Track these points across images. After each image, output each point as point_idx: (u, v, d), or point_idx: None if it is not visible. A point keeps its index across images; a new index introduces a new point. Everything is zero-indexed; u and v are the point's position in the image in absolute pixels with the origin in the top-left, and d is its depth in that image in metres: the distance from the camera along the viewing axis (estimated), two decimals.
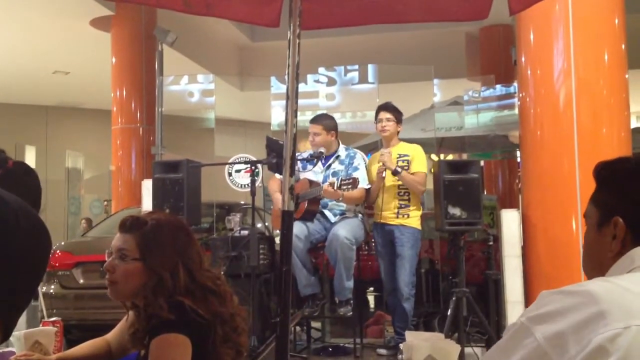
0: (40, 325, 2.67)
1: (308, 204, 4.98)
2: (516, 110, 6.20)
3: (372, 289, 6.96)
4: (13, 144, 11.91)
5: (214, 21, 10.69)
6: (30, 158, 12.70)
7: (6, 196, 0.94)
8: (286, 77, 2.35)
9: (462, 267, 4.92)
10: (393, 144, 5.19)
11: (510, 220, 5.29)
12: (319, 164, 5.16)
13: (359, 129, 8.90)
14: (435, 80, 8.66)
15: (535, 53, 5.27)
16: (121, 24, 10.13)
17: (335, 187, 4.66)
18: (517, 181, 10.11)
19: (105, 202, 12.54)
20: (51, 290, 6.48)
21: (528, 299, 5.05)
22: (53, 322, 2.61)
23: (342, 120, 7.88)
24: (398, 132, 5.24)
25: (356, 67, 7.85)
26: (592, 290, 1.08)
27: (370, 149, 7.62)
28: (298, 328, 5.55)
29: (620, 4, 5.16)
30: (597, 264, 1.28)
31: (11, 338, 2.26)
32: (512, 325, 1.15)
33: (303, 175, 5.16)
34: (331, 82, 7.90)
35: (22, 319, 7.12)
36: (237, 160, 6.82)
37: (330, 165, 5.17)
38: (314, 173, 5.16)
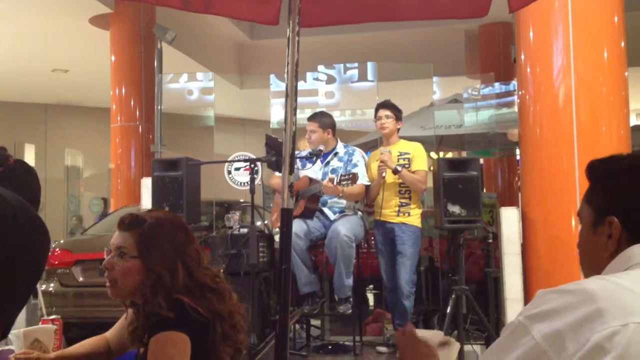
0: (40, 323, 2.67)
1: (307, 201, 4.98)
2: (515, 108, 6.20)
3: (371, 286, 6.96)
4: (12, 142, 11.91)
5: (213, 19, 10.69)
6: (29, 156, 12.68)
7: (4, 193, 0.94)
8: (285, 75, 2.34)
9: (462, 265, 4.92)
10: (393, 141, 5.19)
11: (509, 218, 5.29)
12: (318, 161, 5.16)
13: (359, 126, 8.90)
14: (435, 78, 8.67)
15: (535, 51, 5.27)
16: (120, 22, 10.13)
17: (334, 183, 4.67)
18: (516, 179, 10.12)
19: (99, 199, 12.53)
20: (51, 288, 6.49)
21: (527, 297, 5.05)
22: (52, 320, 2.61)
23: (342, 118, 7.89)
24: (398, 130, 5.24)
25: (355, 65, 7.85)
26: (589, 289, 1.09)
27: (369, 147, 7.63)
28: (298, 326, 5.55)
29: (619, 2, 5.16)
30: (594, 263, 1.28)
31: (10, 336, 2.26)
32: (510, 324, 1.15)
33: (303, 173, 5.16)
34: (330, 80, 7.89)
35: (22, 317, 7.11)
36: (236, 158, 6.82)
37: (328, 162, 5.17)
38: (313, 171, 5.16)
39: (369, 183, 5.12)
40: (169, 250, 1.91)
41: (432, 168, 5.43)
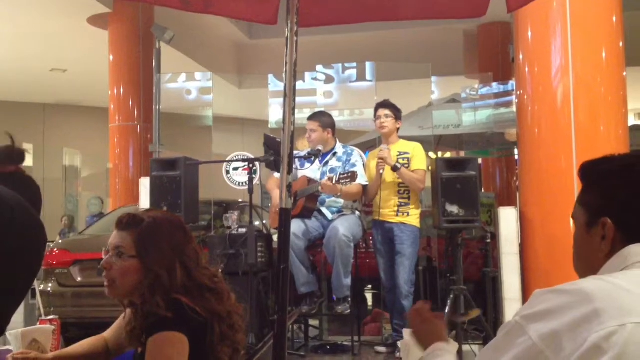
0: (38, 323, 2.67)
1: (306, 201, 4.98)
2: (514, 108, 6.20)
3: (370, 286, 6.96)
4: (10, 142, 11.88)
5: (211, 19, 10.68)
6: (27, 156, 12.67)
7: (3, 192, 0.94)
8: (284, 74, 2.34)
9: (460, 265, 4.92)
10: (392, 141, 5.19)
11: (508, 218, 5.29)
12: (317, 161, 5.15)
13: (357, 126, 8.90)
14: (433, 78, 8.65)
15: (533, 51, 5.28)
16: (119, 22, 10.12)
17: (333, 182, 4.67)
18: (514, 179, 10.11)
19: (93, 198, 12.49)
20: (49, 288, 6.48)
21: (525, 297, 5.05)
22: (51, 321, 2.61)
23: (340, 118, 7.88)
24: (397, 129, 5.24)
25: (354, 64, 7.85)
26: (586, 289, 1.08)
27: (368, 146, 7.62)
28: (296, 326, 5.55)
29: (618, 2, 5.16)
30: (589, 264, 1.28)
31: (8, 336, 2.25)
32: (506, 323, 1.15)
33: (301, 173, 5.16)
34: (329, 79, 7.89)
35: (20, 318, 7.09)
36: (234, 158, 6.82)
37: (327, 162, 5.18)
38: (312, 171, 5.16)
39: (367, 183, 5.13)
40: (167, 250, 1.91)
41: (430, 168, 5.43)
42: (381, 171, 5.04)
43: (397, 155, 5.10)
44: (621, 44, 5.13)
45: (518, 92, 5.52)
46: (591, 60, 5.07)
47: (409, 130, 7.54)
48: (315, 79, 7.83)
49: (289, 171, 2.30)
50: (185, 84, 9.03)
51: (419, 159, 5.13)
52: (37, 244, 0.98)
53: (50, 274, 6.58)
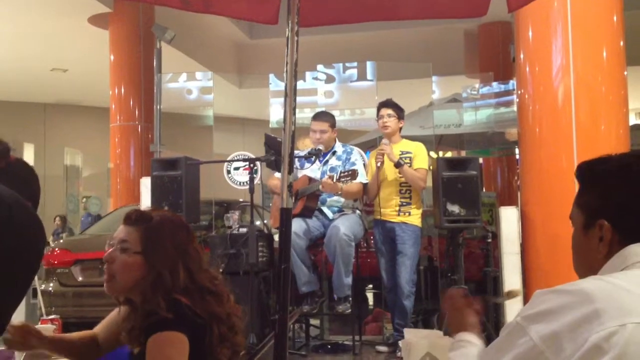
0: (39, 323, 2.67)
1: (306, 200, 4.98)
2: (514, 108, 6.20)
3: (371, 286, 6.96)
4: (11, 141, 11.88)
5: (212, 18, 10.69)
6: (28, 156, 12.70)
7: (1, 190, 0.94)
8: (284, 74, 2.34)
9: (461, 264, 4.93)
10: (395, 140, 5.19)
11: (509, 217, 5.29)
12: (317, 161, 5.15)
13: (358, 126, 8.90)
14: (434, 78, 8.66)
15: (534, 50, 5.27)
16: (119, 21, 10.12)
17: (334, 180, 4.66)
18: (515, 178, 10.11)
19: (84, 199, 12.44)
20: (50, 288, 6.49)
21: (527, 296, 5.05)
22: (52, 320, 2.62)
23: (341, 118, 7.88)
24: (400, 129, 5.24)
25: (355, 64, 7.85)
26: (587, 289, 1.08)
27: (369, 146, 7.62)
28: (297, 325, 5.55)
29: (618, 1, 5.16)
30: (587, 265, 1.27)
31: None
32: (508, 324, 1.15)
33: (301, 173, 5.15)
34: (330, 79, 7.89)
35: (21, 317, 7.11)
36: (235, 158, 6.82)
37: (327, 161, 5.17)
38: (312, 170, 5.16)
39: (367, 181, 5.12)
40: (172, 250, 1.91)
41: (431, 167, 5.43)
42: (379, 164, 5.03)
43: (400, 154, 5.10)
44: (622, 43, 5.13)
45: (519, 92, 5.52)
46: (592, 59, 5.07)
47: (410, 129, 7.53)
48: (316, 78, 7.83)
49: (290, 171, 2.31)
50: (186, 83, 9.04)
51: (421, 158, 5.13)
52: (36, 242, 0.98)
53: (52, 273, 6.58)
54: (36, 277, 6.11)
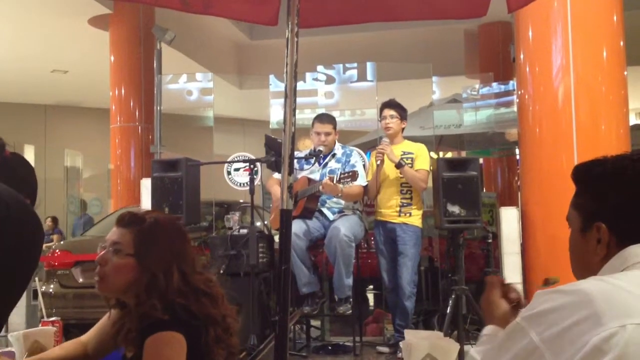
0: (40, 325, 2.67)
1: (306, 201, 4.98)
2: (514, 108, 6.20)
3: (371, 286, 6.96)
4: (12, 143, 11.88)
5: (212, 19, 10.69)
6: (29, 157, 12.66)
7: None
8: (284, 75, 2.34)
9: (461, 265, 4.92)
10: (397, 141, 5.18)
11: (509, 218, 5.29)
12: (316, 163, 5.15)
13: (358, 126, 8.90)
14: (434, 78, 8.66)
15: (534, 50, 5.28)
16: (119, 23, 10.13)
17: (334, 181, 4.66)
18: (516, 178, 10.11)
19: (74, 199, 12.43)
20: (50, 290, 6.48)
21: (527, 297, 5.04)
22: (52, 322, 2.62)
23: (341, 118, 7.88)
24: (402, 130, 5.23)
25: (355, 65, 7.85)
26: (587, 290, 1.08)
27: (369, 147, 7.62)
28: (297, 326, 5.55)
29: (618, 1, 5.16)
30: (585, 267, 1.27)
31: (10, 338, 2.26)
32: (509, 325, 1.15)
33: (301, 175, 5.15)
34: (330, 80, 7.89)
35: (22, 319, 7.07)
36: (236, 159, 6.82)
37: (326, 163, 5.16)
38: (310, 172, 5.16)
39: (366, 184, 5.12)
40: (166, 252, 1.90)
41: (431, 168, 5.43)
42: (378, 162, 5.03)
43: (402, 155, 5.09)
44: (622, 43, 5.13)
45: (519, 92, 5.52)
46: (592, 59, 5.07)
47: (410, 130, 7.52)
48: (316, 79, 7.83)
49: (290, 172, 2.30)
50: (186, 84, 9.04)
51: (423, 159, 5.13)
52: (34, 240, 0.98)
53: (52, 275, 6.59)
54: (37, 279, 6.11)
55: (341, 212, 5.10)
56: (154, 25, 7.69)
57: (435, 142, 8.79)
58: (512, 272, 5.16)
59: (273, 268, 5.09)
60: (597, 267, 1.23)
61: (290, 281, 2.26)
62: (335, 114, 5.82)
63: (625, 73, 5.19)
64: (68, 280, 6.51)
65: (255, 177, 5.22)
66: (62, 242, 7.60)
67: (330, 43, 11.17)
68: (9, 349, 2.34)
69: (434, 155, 7.76)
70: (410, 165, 5.07)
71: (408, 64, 10.72)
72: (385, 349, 5.10)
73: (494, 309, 1.49)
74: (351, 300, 4.98)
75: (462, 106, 9.17)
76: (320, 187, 4.82)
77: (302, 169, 5.18)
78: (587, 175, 1.29)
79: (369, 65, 7.71)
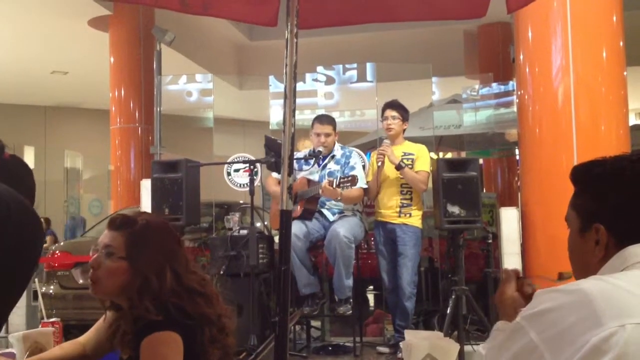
0: (40, 326, 2.67)
1: (306, 202, 4.98)
2: (514, 108, 6.21)
3: (371, 287, 6.96)
4: (11, 144, 11.89)
5: (212, 20, 10.68)
6: (29, 158, 12.70)
7: None
8: (284, 76, 2.34)
9: (462, 265, 4.92)
10: (398, 142, 5.18)
11: (509, 218, 5.29)
12: (315, 164, 5.15)
13: (358, 127, 8.89)
14: (434, 79, 8.66)
15: (534, 51, 5.28)
16: (119, 24, 10.13)
17: (334, 185, 4.66)
18: (516, 179, 10.11)
19: (65, 201, 12.37)
20: (50, 291, 6.49)
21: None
22: (52, 323, 2.62)
23: (341, 119, 7.88)
24: (403, 131, 5.23)
25: (355, 65, 7.84)
26: (587, 289, 1.08)
27: (369, 147, 7.62)
28: (298, 327, 5.55)
29: (618, 1, 5.16)
30: (584, 268, 1.28)
31: (10, 339, 2.26)
32: (510, 324, 1.16)
33: (300, 175, 5.15)
34: (330, 80, 7.89)
35: (22, 320, 7.06)
36: (235, 160, 6.82)
37: (326, 165, 5.16)
38: (310, 173, 5.15)
39: (366, 186, 5.12)
40: (158, 254, 1.89)
41: (431, 169, 5.43)
42: (379, 163, 5.03)
43: (402, 156, 5.09)
44: (621, 43, 5.14)
45: (519, 92, 5.52)
46: (592, 60, 5.07)
47: (410, 131, 7.50)
48: (315, 80, 7.83)
49: (290, 172, 2.30)
50: (186, 85, 9.03)
51: (423, 161, 5.13)
52: (35, 240, 0.98)
53: (52, 276, 6.59)
54: (37, 280, 6.11)
55: (341, 213, 5.10)
56: (153, 26, 7.70)
57: (435, 143, 8.79)
58: None
59: (273, 269, 5.09)
60: (596, 268, 1.23)
61: (290, 282, 2.26)
62: (335, 114, 5.82)
63: (625, 73, 5.19)
64: (68, 282, 6.51)
65: (255, 178, 5.22)
66: (61, 244, 7.59)
67: (330, 43, 11.17)
68: (9, 349, 2.34)
69: (434, 156, 7.77)
70: (410, 166, 5.06)
71: (408, 64, 10.71)
72: (385, 350, 5.10)
73: (508, 303, 1.46)
74: (351, 300, 4.98)
75: (462, 107, 9.17)
76: (320, 191, 4.82)
77: (301, 170, 5.18)
78: (586, 175, 1.29)
79: (368, 65, 7.70)
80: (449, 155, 10.23)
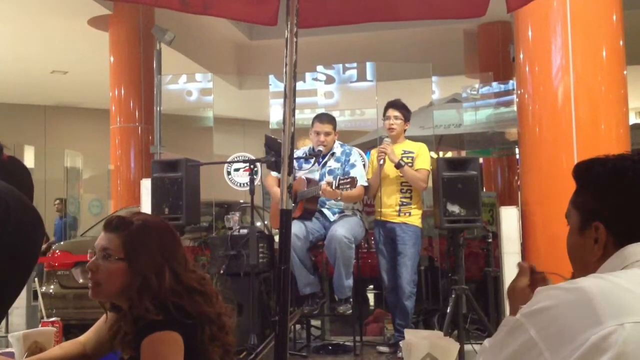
0: (40, 325, 2.67)
1: (306, 202, 4.98)
2: (514, 107, 6.20)
3: (371, 286, 6.96)
4: (12, 143, 11.89)
5: (212, 20, 10.68)
6: (29, 158, 12.69)
7: None
8: (284, 75, 2.34)
9: (462, 265, 4.92)
10: (399, 141, 5.19)
11: (509, 217, 5.29)
12: (315, 163, 5.15)
13: (358, 126, 8.90)
14: (434, 78, 8.65)
15: (534, 50, 5.27)
16: (119, 23, 10.12)
17: (333, 187, 4.65)
18: (516, 178, 10.11)
19: (58, 201, 12.33)
20: (51, 290, 6.49)
21: None
22: (52, 323, 2.62)
23: (341, 118, 7.88)
24: (405, 130, 5.23)
25: (354, 65, 7.84)
26: (586, 288, 1.09)
27: (369, 146, 7.60)
28: (298, 326, 5.55)
29: (618, 1, 5.16)
30: (582, 266, 1.28)
31: (10, 338, 2.26)
32: (508, 319, 1.16)
33: (299, 174, 5.15)
34: (329, 80, 7.89)
35: (22, 319, 7.06)
36: (235, 159, 6.82)
37: (325, 163, 5.16)
38: (310, 172, 5.15)
39: (367, 184, 5.12)
40: (156, 254, 1.89)
41: (431, 167, 5.44)
42: (381, 162, 5.03)
43: (402, 154, 5.10)
44: (621, 42, 5.13)
45: (519, 92, 5.52)
46: (591, 59, 5.07)
47: (410, 130, 7.49)
48: (315, 79, 7.83)
49: (290, 172, 2.30)
50: (186, 85, 9.03)
51: (423, 159, 5.13)
52: (34, 238, 0.98)
53: (52, 275, 6.59)
54: (36, 280, 6.11)
55: (341, 212, 5.10)
56: (153, 25, 7.69)
57: (435, 142, 8.78)
58: (512, 271, 5.14)
59: (273, 268, 5.09)
60: (594, 267, 1.23)
61: (290, 281, 2.26)
62: (335, 114, 5.82)
63: (625, 72, 5.18)
64: (68, 281, 6.52)
65: (255, 177, 5.23)
66: (61, 243, 7.59)
67: (330, 43, 11.17)
68: (8, 349, 2.34)
69: (434, 155, 7.76)
70: (410, 164, 5.07)
71: (408, 63, 10.72)
72: (385, 349, 5.10)
73: (518, 297, 1.44)
74: (351, 300, 4.98)
75: (462, 106, 9.17)
76: (320, 192, 4.83)
77: (300, 169, 5.18)
78: (588, 173, 1.30)
79: (368, 65, 7.70)
80: (449, 154, 10.22)
